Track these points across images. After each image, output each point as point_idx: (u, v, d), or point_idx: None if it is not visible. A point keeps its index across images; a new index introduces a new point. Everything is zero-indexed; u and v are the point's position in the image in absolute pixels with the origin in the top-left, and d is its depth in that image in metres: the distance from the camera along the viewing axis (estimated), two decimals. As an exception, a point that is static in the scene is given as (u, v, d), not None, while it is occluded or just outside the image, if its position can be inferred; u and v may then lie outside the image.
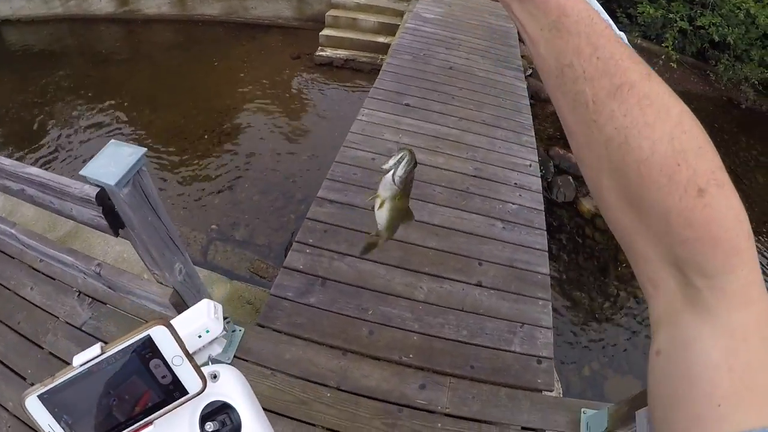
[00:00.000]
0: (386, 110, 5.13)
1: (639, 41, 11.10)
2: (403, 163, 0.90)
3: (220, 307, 0.83)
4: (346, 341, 2.95)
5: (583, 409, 2.78)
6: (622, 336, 5.09)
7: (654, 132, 0.41)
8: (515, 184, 4.50)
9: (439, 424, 2.66)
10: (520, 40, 7.78)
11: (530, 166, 4.83)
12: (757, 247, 0.47)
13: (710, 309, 0.41)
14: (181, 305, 2.14)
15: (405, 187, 0.93)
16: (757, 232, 7.47)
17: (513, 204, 4.24)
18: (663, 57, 9.79)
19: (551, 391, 2.95)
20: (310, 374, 2.74)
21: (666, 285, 0.44)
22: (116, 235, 1.78)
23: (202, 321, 0.79)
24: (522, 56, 7.33)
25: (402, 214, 1.03)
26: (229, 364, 0.76)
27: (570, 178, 6.79)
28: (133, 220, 1.74)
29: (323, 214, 3.72)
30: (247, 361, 2.72)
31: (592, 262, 5.87)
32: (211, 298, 0.83)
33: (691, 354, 0.41)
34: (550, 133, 7.37)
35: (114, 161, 1.59)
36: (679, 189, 0.40)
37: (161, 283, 2.12)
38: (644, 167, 0.41)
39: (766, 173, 9.00)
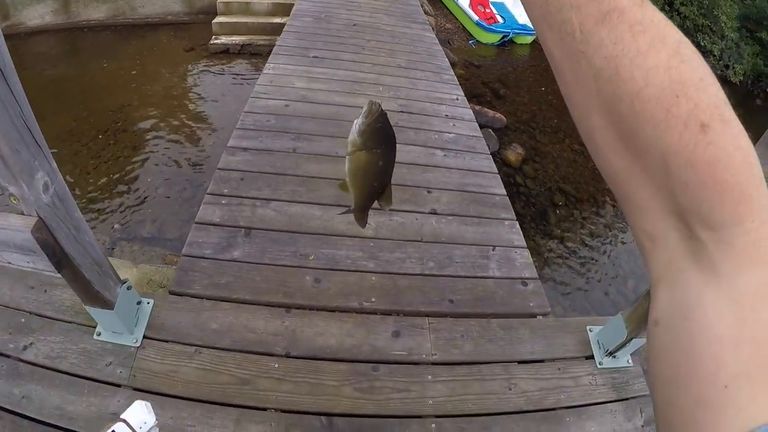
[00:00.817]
0: (293, 63, 4.64)
1: None
2: (363, 111, 0.79)
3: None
4: (287, 295, 2.34)
5: (588, 327, 2.36)
6: (579, 274, 4.82)
7: (647, 61, 0.34)
8: (446, 115, 4.18)
9: (429, 376, 2.11)
10: (422, 8, 7.60)
11: (457, 99, 4.54)
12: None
13: (715, 267, 0.35)
14: (51, 245, 1.48)
15: (367, 141, 0.81)
16: None
17: (449, 133, 3.89)
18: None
19: (546, 314, 2.50)
20: (248, 343, 2.11)
21: (666, 238, 0.38)
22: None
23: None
24: (425, 13, 7.10)
25: (371, 177, 0.88)
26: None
27: (490, 131, 6.60)
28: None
29: (237, 162, 3.12)
30: (161, 341, 2.06)
31: (529, 208, 5.63)
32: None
33: (692, 324, 0.35)
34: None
35: None
36: (679, 124, 0.34)
37: (22, 212, 1.45)
38: (638, 100, 0.35)
39: None
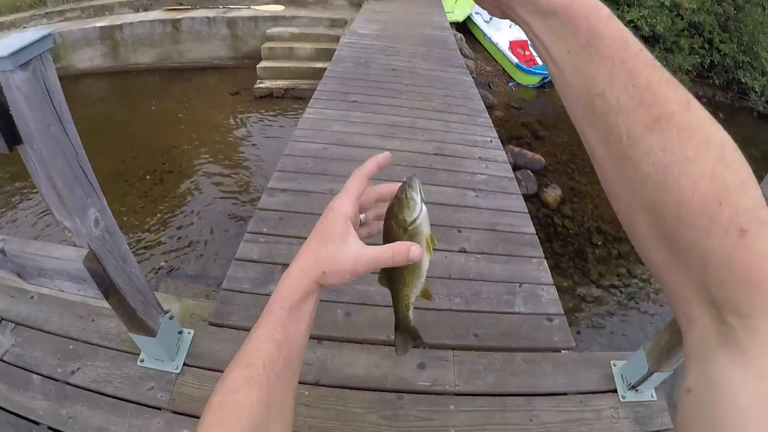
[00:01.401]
0: (332, 107, 4.85)
1: None
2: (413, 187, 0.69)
3: None
4: (319, 327, 2.45)
5: (612, 362, 2.38)
6: (615, 313, 4.79)
7: (695, 169, 0.38)
8: (479, 157, 4.26)
9: (452, 406, 2.17)
10: (461, 51, 7.78)
11: (491, 141, 4.62)
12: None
13: (744, 350, 0.38)
14: (100, 274, 1.64)
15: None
16: None
17: (482, 174, 3.98)
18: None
19: (571, 349, 2.53)
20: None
21: (700, 321, 0.41)
22: (10, 150, 1.30)
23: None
24: (464, 56, 7.27)
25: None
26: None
27: (529, 171, 6.67)
28: (31, 126, 1.26)
29: (276, 203, 3.29)
30: (200, 368, 2.18)
31: (567, 248, 5.63)
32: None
33: (720, 395, 0.38)
34: (500, 134, 7.28)
35: (10, 42, 1.15)
36: (720, 230, 0.37)
37: (74, 244, 1.63)
38: (684, 209, 0.38)
39: None
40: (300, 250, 0.65)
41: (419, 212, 0.67)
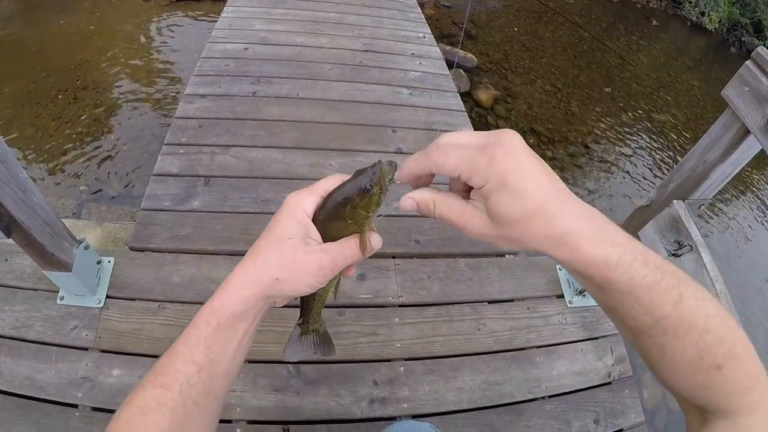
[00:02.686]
0: (253, 4, 4.42)
1: None
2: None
3: None
4: (249, 243, 2.18)
5: (558, 266, 2.33)
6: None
7: (684, 342, 0.49)
8: (412, 54, 4.05)
9: (396, 319, 2.07)
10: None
11: (424, 37, 4.40)
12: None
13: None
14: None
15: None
16: (645, 96, 7.97)
17: (415, 71, 3.77)
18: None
19: (516, 253, 2.45)
20: (212, 294, 2.02)
21: (692, 415, 0.55)
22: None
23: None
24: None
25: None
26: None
27: (461, 71, 6.45)
28: None
29: (195, 110, 2.98)
30: (125, 299, 1.98)
31: (501, 149, 5.54)
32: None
33: None
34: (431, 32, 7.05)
35: None
36: (702, 371, 0.49)
37: None
38: (676, 368, 0.51)
39: (647, 53, 9.77)
40: (246, 255, 0.57)
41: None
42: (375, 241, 0.59)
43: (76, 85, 5.44)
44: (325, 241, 0.58)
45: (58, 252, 1.67)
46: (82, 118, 4.96)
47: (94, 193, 4.18)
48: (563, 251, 0.48)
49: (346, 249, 0.57)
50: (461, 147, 0.49)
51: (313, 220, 0.59)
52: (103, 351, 1.83)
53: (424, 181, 0.57)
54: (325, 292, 0.67)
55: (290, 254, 0.54)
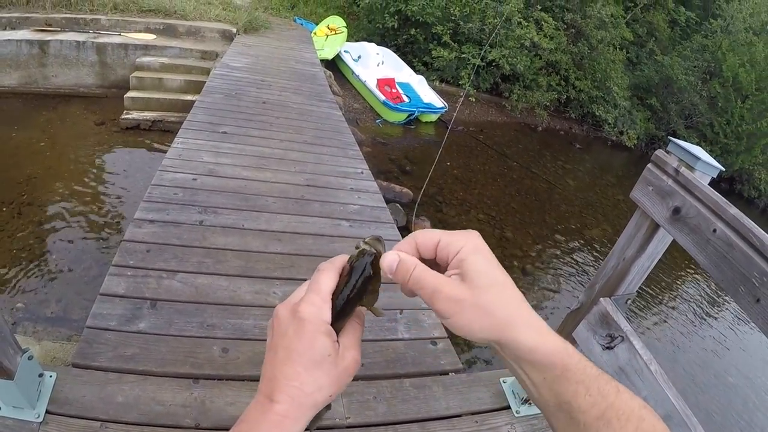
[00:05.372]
0: (202, 138, 4.71)
1: (438, 84, 12.00)
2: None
3: None
4: (195, 366, 2.32)
5: (501, 379, 2.47)
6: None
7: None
8: (351, 188, 4.36)
9: (345, 440, 2.13)
10: (330, 88, 7.93)
11: (362, 173, 4.75)
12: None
13: None
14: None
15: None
16: (574, 215, 8.48)
17: (354, 205, 4.06)
18: (462, 95, 10.53)
19: (459, 371, 2.59)
20: (156, 416, 2.04)
21: None
22: None
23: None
24: (334, 93, 7.39)
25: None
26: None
27: (398, 205, 6.80)
28: None
29: (143, 234, 3.11)
30: (65, 416, 1.95)
31: (437, 277, 5.76)
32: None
33: None
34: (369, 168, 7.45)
35: None
36: None
37: None
38: None
39: (574, 177, 10.68)
40: (277, 383, 0.55)
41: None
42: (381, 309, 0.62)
43: (21, 199, 5.46)
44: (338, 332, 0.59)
45: (2, 357, 1.67)
46: (24, 233, 4.95)
47: (26, 311, 4.10)
48: (530, 333, 0.51)
49: (358, 330, 0.61)
50: (438, 231, 0.56)
51: (332, 323, 0.58)
52: (39, 469, 1.77)
53: None
54: None
55: (335, 371, 0.55)
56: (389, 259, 0.56)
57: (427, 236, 0.56)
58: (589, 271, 6.94)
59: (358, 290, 0.59)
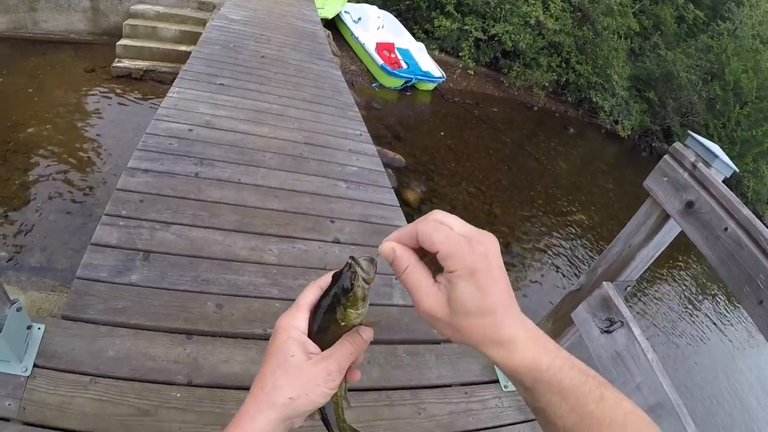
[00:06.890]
0: (199, 89, 4.56)
1: (438, 54, 11.86)
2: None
3: None
4: (188, 321, 2.27)
5: None
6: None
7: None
8: (350, 150, 4.30)
9: (337, 404, 2.13)
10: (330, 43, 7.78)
11: (361, 135, 4.68)
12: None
13: None
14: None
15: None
16: (563, 198, 8.51)
17: (352, 167, 4.00)
18: (460, 66, 10.43)
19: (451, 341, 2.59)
20: (148, 372, 2.00)
21: None
22: None
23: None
24: (332, 53, 7.26)
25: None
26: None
27: (389, 170, 6.76)
28: None
29: (137, 184, 3.01)
30: (54, 369, 1.89)
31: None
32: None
33: None
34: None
35: None
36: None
37: None
38: None
39: (565, 159, 10.70)
40: (253, 386, 0.59)
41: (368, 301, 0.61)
42: (368, 333, 0.62)
43: (7, 147, 5.34)
44: (324, 349, 0.61)
45: (-12, 310, 1.59)
46: (9, 182, 4.84)
47: (9, 260, 4.04)
48: (499, 352, 0.54)
49: (345, 348, 0.60)
50: (449, 228, 0.54)
51: (308, 335, 0.61)
52: (26, 423, 1.71)
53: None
54: (339, 398, 0.68)
55: (297, 372, 0.57)
56: (386, 249, 0.58)
57: (428, 237, 0.54)
58: (574, 254, 7.01)
59: (333, 302, 0.60)
